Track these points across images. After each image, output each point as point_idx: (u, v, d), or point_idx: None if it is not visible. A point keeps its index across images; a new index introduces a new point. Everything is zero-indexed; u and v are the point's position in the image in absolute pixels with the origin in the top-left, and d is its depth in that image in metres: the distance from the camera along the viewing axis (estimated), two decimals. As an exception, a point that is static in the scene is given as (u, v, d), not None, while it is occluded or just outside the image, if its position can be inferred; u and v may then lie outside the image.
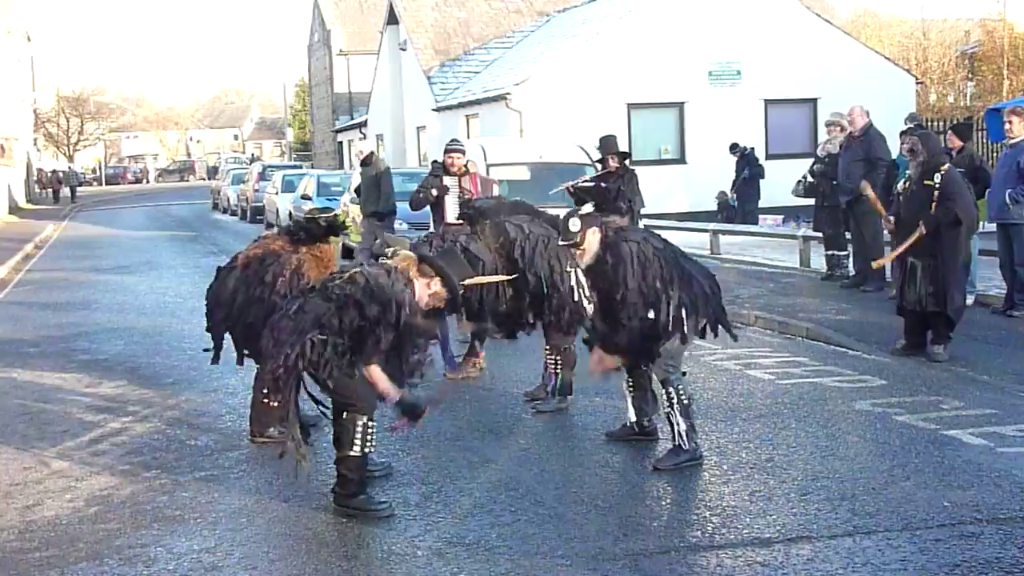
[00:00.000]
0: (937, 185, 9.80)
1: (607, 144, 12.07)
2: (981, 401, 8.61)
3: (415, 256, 6.49)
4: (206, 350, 8.48)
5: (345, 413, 6.28)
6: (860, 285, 14.05)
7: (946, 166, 10.00)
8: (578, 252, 7.23)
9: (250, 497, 6.80)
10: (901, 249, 10.07)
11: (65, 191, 57.57)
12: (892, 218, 10.36)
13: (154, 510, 6.62)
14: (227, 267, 8.15)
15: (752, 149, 24.16)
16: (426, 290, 6.38)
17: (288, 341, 6.12)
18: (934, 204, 9.79)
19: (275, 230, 9.07)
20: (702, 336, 7.39)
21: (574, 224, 7.10)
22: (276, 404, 7.97)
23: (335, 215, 8.19)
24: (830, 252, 15.29)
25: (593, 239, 7.11)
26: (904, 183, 10.33)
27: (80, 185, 66.31)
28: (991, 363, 9.85)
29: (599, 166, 11.92)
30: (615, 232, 7.19)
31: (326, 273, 7.24)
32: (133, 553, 5.90)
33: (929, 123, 25.03)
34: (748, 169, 23.71)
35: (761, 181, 23.93)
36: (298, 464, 6.31)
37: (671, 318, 6.94)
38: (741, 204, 23.90)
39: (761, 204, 23.91)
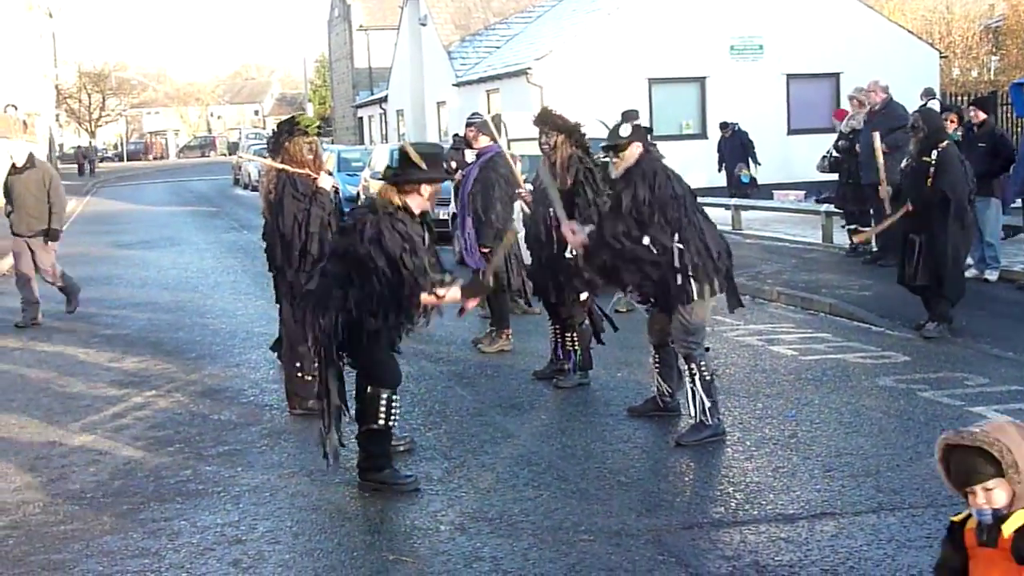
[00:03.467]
0: (933, 162, 9.75)
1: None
2: (1006, 378, 8.56)
3: (388, 181, 6.35)
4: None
5: (369, 387, 6.29)
6: (879, 260, 13.97)
7: (945, 143, 9.92)
8: (616, 160, 7.22)
9: (273, 471, 6.82)
10: (884, 225, 10.31)
11: (87, 165, 63.13)
12: (889, 188, 10.38)
13: (177, 484, 6.65)
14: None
15: (737, 124, 23.66)
16: (420, 198, 6.36)
17: (322, 309, 6.16)
18: (929, 180, 9.73)
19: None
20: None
21: (624, 130, 7.13)
22: (311, 377, 8.06)
23: (288, 119, 8.39)
24: (853, 227, 15.20)
25: (634, 152, 7.14)
26: (907, 160, 10.27)
27: (102, 160, 72.43)
28: (1016, 339, 9.78)
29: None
30: (656, 155, 7.22)
31: (301, 168, 7.84)
32: (157, 527, 5.93)
33: (953, 97, 24.80)
34: (746, 145, 23.29)
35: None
36: (323, 447, 6.33)
37: (679, 267, 6.95)
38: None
39: (784, 179, 23.72)
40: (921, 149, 9.91)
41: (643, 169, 7.09)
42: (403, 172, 6.34)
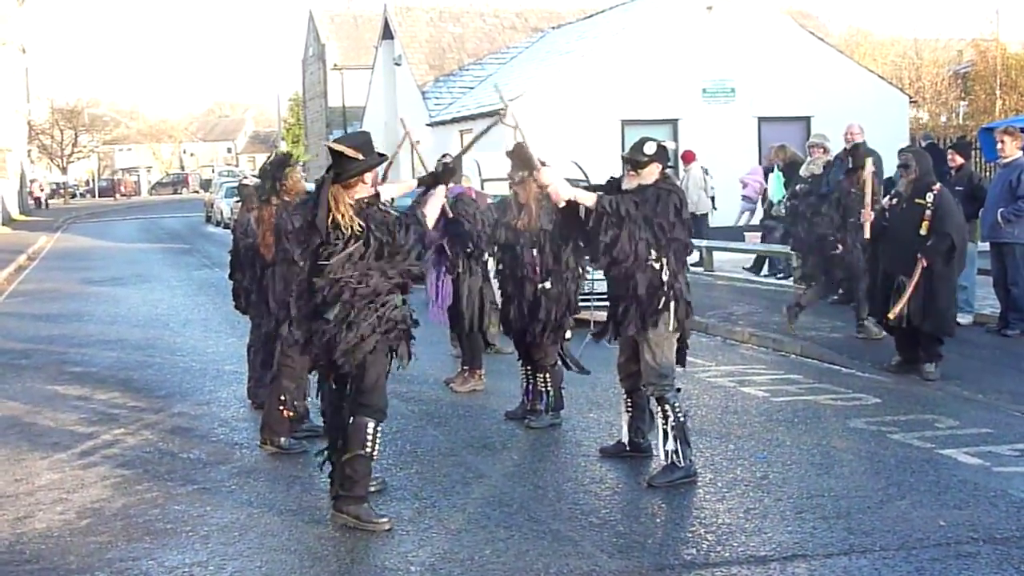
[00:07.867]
0: (929, 204, 9.78)
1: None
2: (976, 420, 8.61)
3: (334, 181, 6.41)
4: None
5: (354, 417, 6.25)
6: (851, 302, 14.02)
7: (938, 186, 9.96)
8: (632, 174, 7.14)
9: (242, 511, 6.76)
10: (909, 292, 9.83)
11: (43, 199, 66.61)
12: (872, 213, 10.45)
13: (146, 523, 6.58)
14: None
15: None
16: (365, 185, 6.52)
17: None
18: (926, 224, 9.77)
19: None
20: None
21: (649, 147, 7.07)
22: (290, 413, 8.06)
23: (277, 152, 8.61)
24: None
25: (653, 172, 7.09)
26: (891, 199, 10.33)
27: (73, 197, 75.06)
28: (986, 382, 9.84)
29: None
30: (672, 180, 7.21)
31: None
32: (124, 566, 5.86)
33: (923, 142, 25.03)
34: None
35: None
36: None
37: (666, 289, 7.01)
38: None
39: (755, 221, 23.87)
40: (914, 191, 9.94)
41: (660, 190, 7.03)
42: (344, 168, 6.36)
